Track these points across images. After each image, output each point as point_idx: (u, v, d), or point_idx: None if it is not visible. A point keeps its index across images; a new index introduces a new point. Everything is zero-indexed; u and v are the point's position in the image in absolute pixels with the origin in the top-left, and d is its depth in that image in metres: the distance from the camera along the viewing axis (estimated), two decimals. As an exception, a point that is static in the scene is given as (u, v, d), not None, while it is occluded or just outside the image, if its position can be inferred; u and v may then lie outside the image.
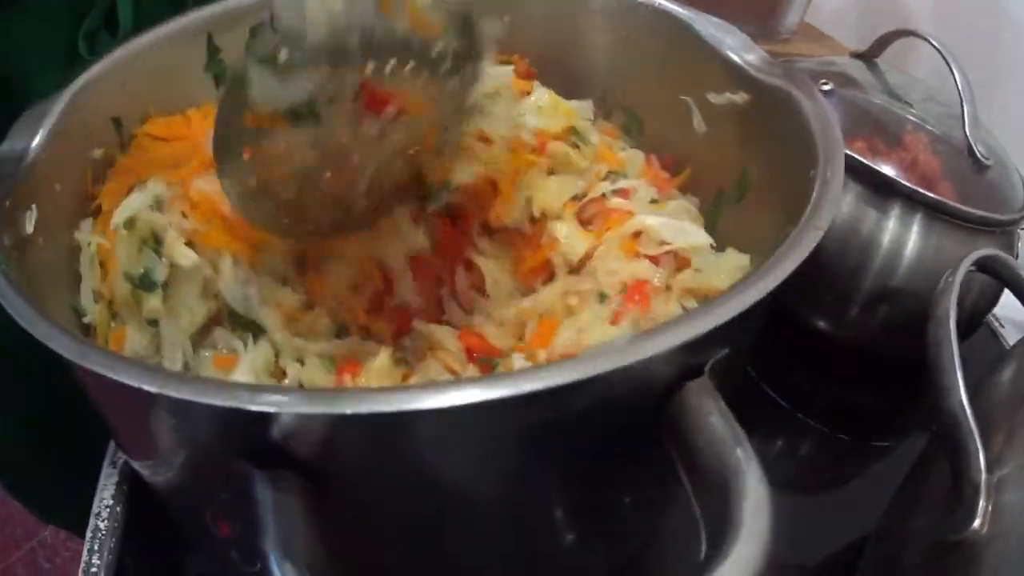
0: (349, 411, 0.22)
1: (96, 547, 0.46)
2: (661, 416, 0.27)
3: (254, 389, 0.24)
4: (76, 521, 0.81)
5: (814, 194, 0.33)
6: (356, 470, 0.28)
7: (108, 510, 0.48)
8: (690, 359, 0.27)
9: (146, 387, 0.24)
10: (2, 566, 1.18)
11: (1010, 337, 0.67)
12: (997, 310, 0.62)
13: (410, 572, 0.35)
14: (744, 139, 0.45)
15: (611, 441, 0.30)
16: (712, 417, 0.26)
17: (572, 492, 0.33)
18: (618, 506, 0.37)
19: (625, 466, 0.33)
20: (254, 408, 0.23)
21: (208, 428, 0.27)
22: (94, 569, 0.45)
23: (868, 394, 0.64)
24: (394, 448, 0.26)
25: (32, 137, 0.40)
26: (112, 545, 0.46)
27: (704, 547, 0.24)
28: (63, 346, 0.27)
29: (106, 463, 0.50)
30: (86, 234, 0.42)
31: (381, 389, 0.29)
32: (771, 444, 0.60)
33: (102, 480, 0.50)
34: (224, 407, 0.23)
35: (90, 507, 0.49)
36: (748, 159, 0.45)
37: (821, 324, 0.59)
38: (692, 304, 0.40)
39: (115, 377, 0.25)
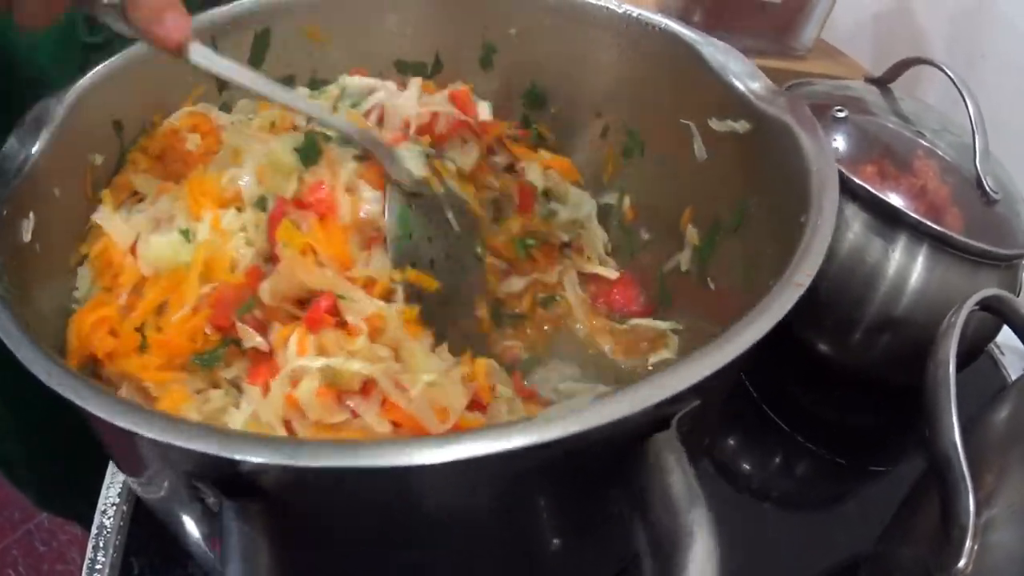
0: (312, 464, 0.23)
1: (102, 544, 0.46)
2: (624, 466, 0.27)
3: (223, 437, 0.24)
4: (73, 509, 0.81)
5: (799, 246, 0.33)
6: (321, 509, 0.28)
7: (114, 508, 0.48)
8: (657, 412, 0.27)
9: (130, 428, 0.25)
10: (-2, 548, 1.19)
11: (1010, 365, 0.67)
12: (998, 338, 0.61)
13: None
14: (743, 169, 0.45)
15: (575, 485, 0.30)
16: (673, 475, 0.26)
17: (533, 530, 0.33)
18: (586, 538, 0.37)
19: (590, 504, 0.33)
20: (223, 455, 0.23)
21: (184, 456, 0.27)
22: (99, 566, 0.45)
23: (866, 418, 0.64)
24: (358, 493, 0.27)
25: (33, 142, 0.40)
26: (117, 543, 0.46)
27: None
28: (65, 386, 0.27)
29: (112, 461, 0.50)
30: (83, 289, 0.43)
31: (345, 443, 0.30)
32: (769, 464, 0.60)
33: (108, 478, 0.50)
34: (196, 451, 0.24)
35: (87, 496, 0.49)
36: (746, 189, 0.44)
37: (823, 348, 0.59)
38: None
39: (110, 420, 0.25)
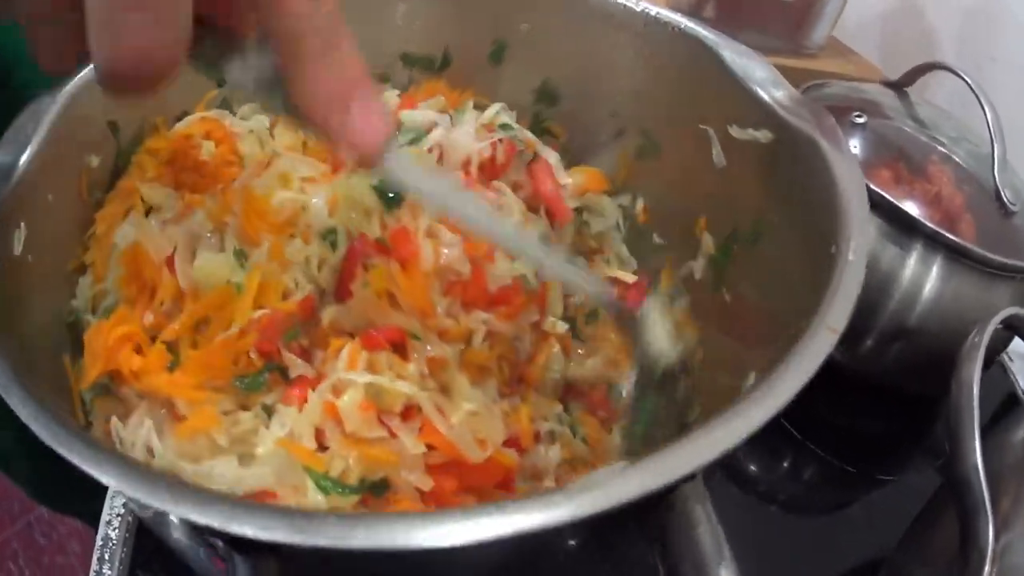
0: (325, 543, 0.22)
1: (106, 556, 0.45)
2: (650, 517, 0.26)
3: (230, 509, 0.23)
4: (71, 507, 0.81)
5: (832, 282, 0.31)
6: (340, 569, 0.27)
7: (119, 519, 0.46)
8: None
9: (134, 495, 0.24)
10: (-2, 540, 1.18)
11: (1019, 372, 0.67)
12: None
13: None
14: (764, 180, 0.43)
15: (596, 538, 0.29)
16: (700, 528, 0.25)
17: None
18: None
19: (612, 554, 0.32)
20: (231, 530, 0.22)
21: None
22: (103, 579, 0.44)
23: (877, 425, 0.63)
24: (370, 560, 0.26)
25: (24, 147, 0.38)
26: (123, 555, 0.45)
27: None
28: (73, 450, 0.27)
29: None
30: (83, 299, 0.41)
31: (357, 518, 0.28)
32: (777, 468, 0.60)
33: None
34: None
35: (86, 495, 0.46)
36: (767, 201, 0.43)
37: (835, 354, 0.58)
38: None
39: (114, 484, 0.25)
